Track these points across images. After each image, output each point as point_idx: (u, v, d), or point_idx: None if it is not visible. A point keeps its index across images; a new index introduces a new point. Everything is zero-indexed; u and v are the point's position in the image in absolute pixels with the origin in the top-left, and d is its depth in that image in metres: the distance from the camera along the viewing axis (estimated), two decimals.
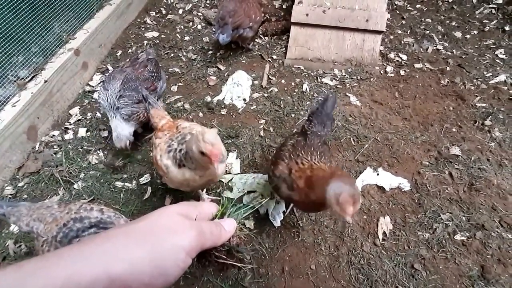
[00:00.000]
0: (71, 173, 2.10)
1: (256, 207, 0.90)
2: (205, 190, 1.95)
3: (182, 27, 3.40)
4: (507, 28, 3.22)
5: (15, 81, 2.22)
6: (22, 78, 2.26)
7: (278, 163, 1.48)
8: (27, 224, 1.34)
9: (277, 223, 1.82)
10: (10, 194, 1.99)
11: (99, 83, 2.74)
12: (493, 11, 3.46)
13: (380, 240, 1.77)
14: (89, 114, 2.49)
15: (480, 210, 1.87)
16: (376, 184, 2.00)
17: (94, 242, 0.54)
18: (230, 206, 0.81)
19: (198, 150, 1.26)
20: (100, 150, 2.24)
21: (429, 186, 1.99)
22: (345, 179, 1.12)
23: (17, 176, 2.08)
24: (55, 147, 2.26)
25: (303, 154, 1.45)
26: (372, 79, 2.74)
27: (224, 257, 0.76)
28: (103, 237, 0.55)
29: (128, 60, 2.69)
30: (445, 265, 1.68)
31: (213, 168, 1.27)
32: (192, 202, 0.69)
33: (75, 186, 2.04)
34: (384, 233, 1.79)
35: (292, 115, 2.45)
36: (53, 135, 2.34)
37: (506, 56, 2.93)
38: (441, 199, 1.93)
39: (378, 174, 2.05)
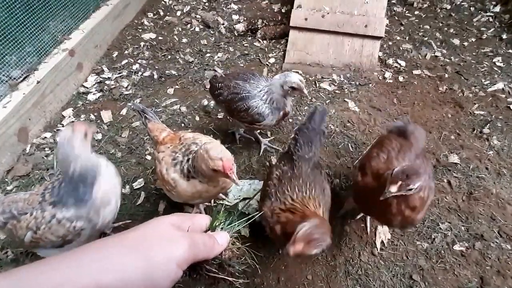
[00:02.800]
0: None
1: (250, 218, 0.89)
2: None
3: (180, 29, 3.37)
4: (504, 36, 3.23)
5: (6, 81, 2.16)
6: (14, 78, 2.20)
7: (264, 201, 1.39)
8: (3, 212, 1.30)
9: None
10: None
11: (93, 85, 2.69)
12: (490, 19, 3.47)
13: (378, 249, 1.73)
14: (82, 116, 2.44)
15: (479, 220, 1.85)
16: None
17: (86, 251, 0.54)
18: (223, 219, 0.79)
19: (209, 169, 1.26)
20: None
21: None
22: (313, 222, 1.10)
23: (6, 179, 2.01)
24: (46, 149, 2.20)
25: (289, 190, 1.33)
26: (370, 84, 2.73)
27: (216, 270, 0.75)
28: (96, 246, 0.56)
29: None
30: (444, 276, 1.64)
31: (232, 181, 1.28)
32: (186, 213, 0.68)
33: None
34: (382, 242, 1.76)
35: (290, 120, 2.42)
36: (45, 137, 2.28)
37: (503, 64, 2.94)
38: (440, 208, 1.91)
39: None
